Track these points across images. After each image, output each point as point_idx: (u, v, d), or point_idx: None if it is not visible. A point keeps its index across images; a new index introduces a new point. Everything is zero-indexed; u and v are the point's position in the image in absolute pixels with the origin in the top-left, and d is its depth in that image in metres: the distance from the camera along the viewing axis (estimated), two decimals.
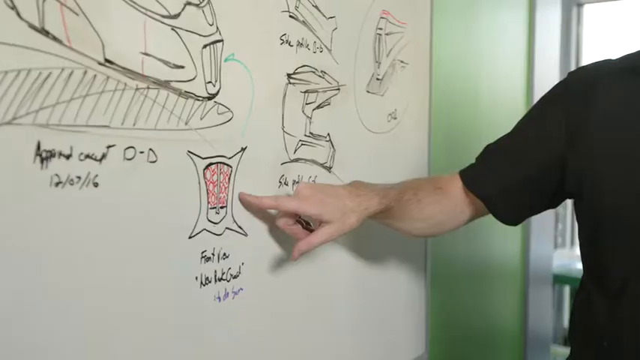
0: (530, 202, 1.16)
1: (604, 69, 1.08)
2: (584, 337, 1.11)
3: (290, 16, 1.03)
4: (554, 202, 1.16)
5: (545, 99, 1.14)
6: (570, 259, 3.45)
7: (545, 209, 1.18)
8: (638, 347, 1.00)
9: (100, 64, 0.73)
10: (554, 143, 1.07)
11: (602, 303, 1.05)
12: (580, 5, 3.73)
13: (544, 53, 2.49)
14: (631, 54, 1.08)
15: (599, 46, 3.71)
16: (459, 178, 1.18)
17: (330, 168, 1.15)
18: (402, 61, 1.36)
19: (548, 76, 2.44)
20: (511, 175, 1.13)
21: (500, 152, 1.17)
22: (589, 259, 1.11)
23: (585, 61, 3.64)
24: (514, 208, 1.17)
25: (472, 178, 1.17)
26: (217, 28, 0.89)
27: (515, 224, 1.20)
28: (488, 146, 1.20)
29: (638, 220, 0.98)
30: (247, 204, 0.96)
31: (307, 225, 1.01)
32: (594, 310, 1.07)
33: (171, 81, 0.82)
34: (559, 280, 3.23)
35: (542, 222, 2.59)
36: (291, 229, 0.99)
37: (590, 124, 1.03)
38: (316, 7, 1.09)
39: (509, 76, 2.25)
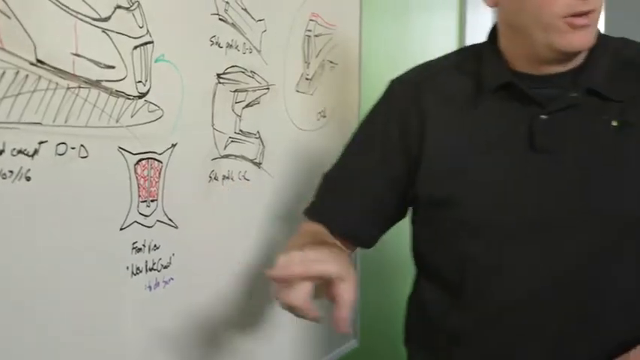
0: (385, 218, 1.14)
1: (429, 70, 1.10)
2: (422, 338, 1.13)
3: (219, 19, 1.08)
4: (404, 212, 1.14)
5: (373, 113, 1.13)
6: None
7: (397, 221, 1.16)
8: (477, 345, 1.02)
9: (32, 64, 0.76)
10: (393, 155, 1.07)
11: (440, 303, 1.06)
12: None
13: None
14: (449, 54, 1.11)
15: None
16: None
17: (260, 164, 1.21)
18: (331, 62, 1.42)
19: None
20: (360, 200, 1.10)
21: (342, 179, 1.14)
22: (426, 261, 1.11)
23: None
24: (373, 232, 1.15)
25: (319, 213, 1.13)
26: (147, 30, 0.93)
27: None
28: (326, 175, 1.16)
29: (475, 221, 1.00)
30: (279, 278, 0.85)
31: None
32: (431, 312, 1.09)
33: (102, 80, 0.86)
34: None
35: None
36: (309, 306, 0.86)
37: (419, 129, 1.04)
38: (245, 9, 1.14)
39: None
